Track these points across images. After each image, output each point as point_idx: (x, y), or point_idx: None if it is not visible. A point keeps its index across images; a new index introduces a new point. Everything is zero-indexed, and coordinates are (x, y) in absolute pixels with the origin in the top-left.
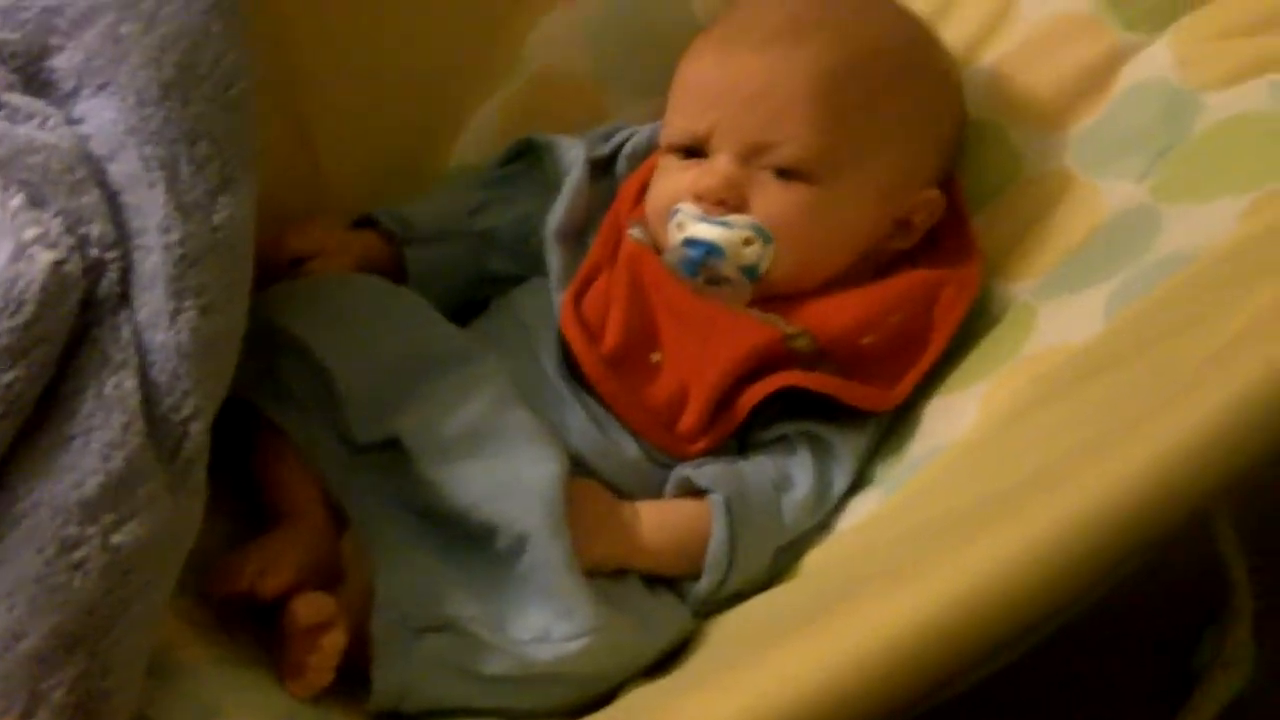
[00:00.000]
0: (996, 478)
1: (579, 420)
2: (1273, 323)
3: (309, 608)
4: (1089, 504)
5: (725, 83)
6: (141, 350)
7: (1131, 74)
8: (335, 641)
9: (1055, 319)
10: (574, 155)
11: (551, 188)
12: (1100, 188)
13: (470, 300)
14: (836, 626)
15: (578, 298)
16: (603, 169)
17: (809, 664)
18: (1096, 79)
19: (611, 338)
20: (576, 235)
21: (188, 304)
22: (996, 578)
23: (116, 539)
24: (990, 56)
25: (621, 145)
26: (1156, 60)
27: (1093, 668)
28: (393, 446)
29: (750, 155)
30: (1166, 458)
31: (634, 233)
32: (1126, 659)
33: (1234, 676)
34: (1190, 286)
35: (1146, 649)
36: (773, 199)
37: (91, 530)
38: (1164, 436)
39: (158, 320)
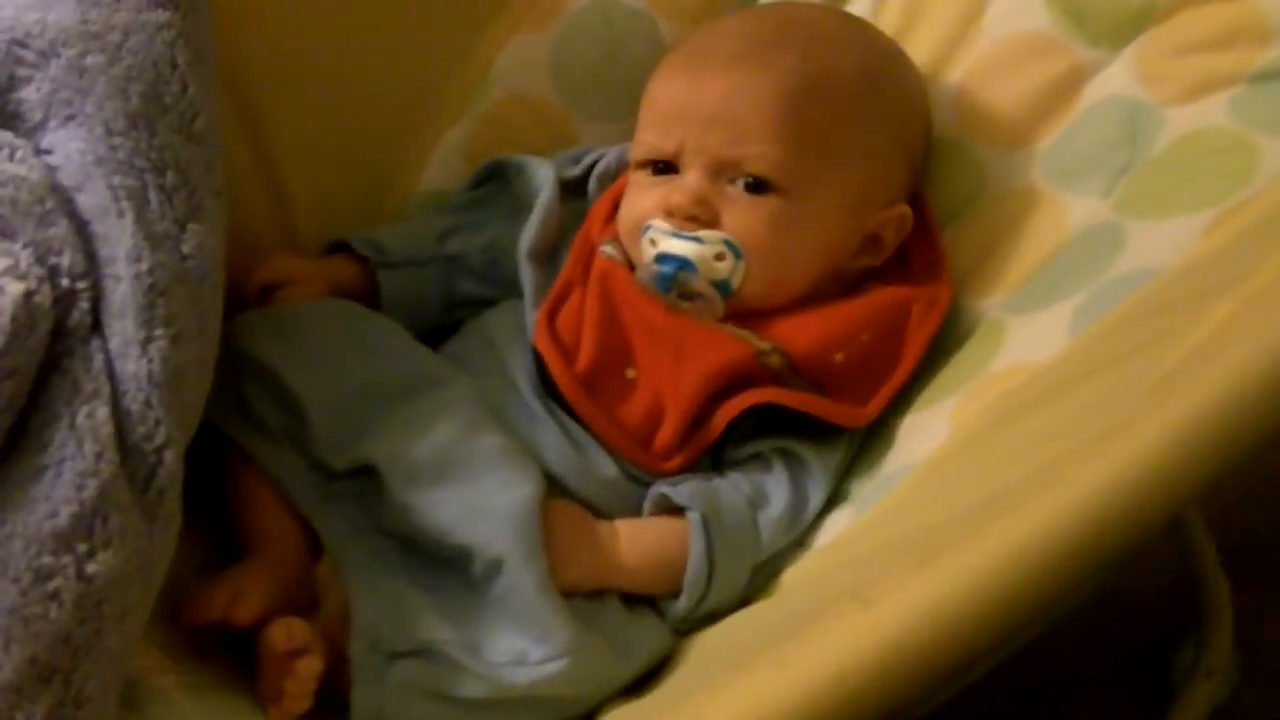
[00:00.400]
0: (959, 498)
1: (554, 439)
2: (1224, 340)
3: (284, 633)
4: (1041, 529)
5: (693, 100)
6: (113, 380)
7: (1095, 90)
8: (311, 667)
9: (1022, 335)
10: (544, 175)
11: (522, 209)
12: (1066, 203)
13: (442, 324)
14: (801, 652)
15: (551, 316)
16: (573, 190)
17: (777, 688)
18: (1060, 95)
19: (586, 356)
20: (549, 255)
21: (158, 333)
22: (950, 602)
23: (90, 569)
24: (955, 74)
25: (592, 167)
26: (1119, 77)
27: (1075, 674)
28: (365, 473)
29: (719, 171)
30: (1119, 482)
31: (606, 249)
32: (1108, 666)
33: (1217, 684)
34: (1152, 303)
35: (1127, 656)
36: (743, 214)
37: (65, 560)
38: (1117, 460)
39: (128, 350)
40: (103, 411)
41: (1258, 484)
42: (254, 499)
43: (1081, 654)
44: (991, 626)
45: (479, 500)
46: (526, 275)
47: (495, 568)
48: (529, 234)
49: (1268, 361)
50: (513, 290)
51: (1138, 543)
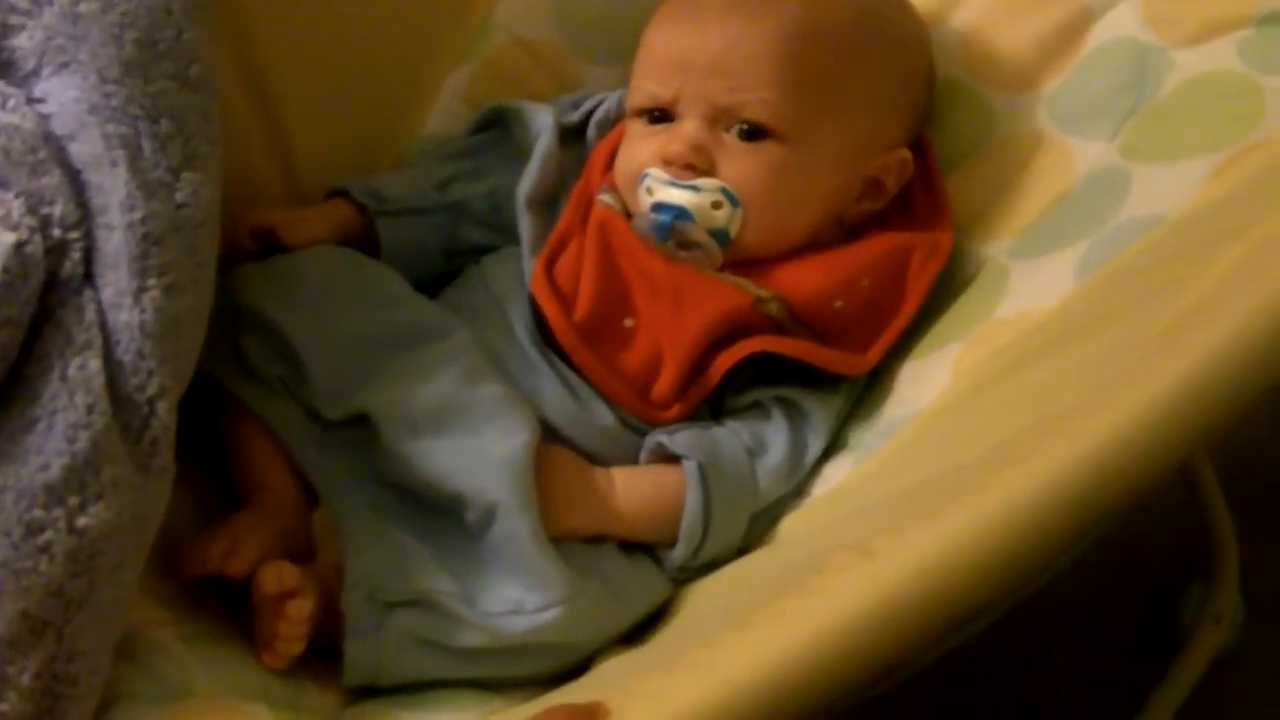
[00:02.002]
0: (962, 449)
1: (552, 388)
2: (1229, 289)
3: (274, 577)
4: (1045, 482)
5: (690, 47)
6: (106, 330)
7: (1102, 33)
8: (301, 608)
9: (1027, 281)
10: (543, 122)
11: (522, 156)
12: (1072, 147)
13: (445, 271)
14: (804, 604)
15: (549, 265)
16: (573, 136)
17: (780, 640)
18: (1067, 38)
19: (584, 304)
20: (548, 202)
21: (151, 283)
22: (952, 555)
23: (82, 522)
24: (961, 17)
25: (591, 112)
26: (1125, 19)
27: (1083, 620)
28: (362, 423)
29: (717, 119)
30: (1122, 435)
31: (604, 198)
32: (1116, 612)
33: (1224, 629)
34: (1158, 250)
35: (1135, 602)
36: (740, 162)
37: (57, 513)
38: (1120, 413)
39: (121, 300)
40: (95, 363)
41: (1265, 429)
42: (250, 449)
43: (1090, 601)
44: (994, 578)
45: (473, 449)
46: (524, 223)
47: (490, 515)
48: (527, 182)
49: (1272, 311)
50: (515, 236)
51: (1141, 495)
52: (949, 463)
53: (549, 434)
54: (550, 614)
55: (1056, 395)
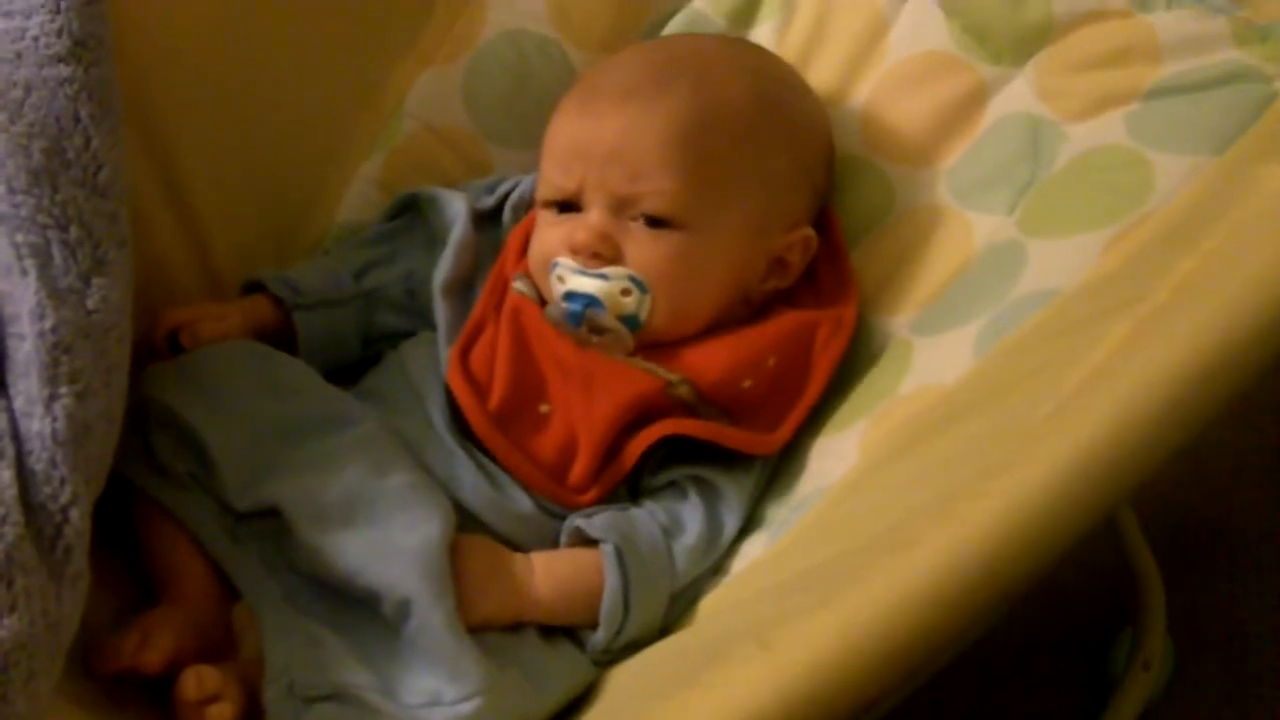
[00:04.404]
0: (862, 528)
1: (469, 475)
2: (1117, 368)
3: (195, 681)
4: (932, 569)
5: (590, 138)
6: (18, 439)
7: (998, 107)
8: (223, 713)
9: (929, 356)
10: (456, 209)
11: (437, 240)
12: (971, 221)
13: (363, 356)
14: (704, 699)
15: (464, 352)
16: (488, 220)
17: None
18: (964, 113)
19: (499, 392)
20: (464, 288)
21: (62, 390)
22: (844, 649)
23: None
24: (861, 93)
25: (507, 195)
26: (1020, 93)
27: (1014, 669)
28: (274, 514)
29: (620, 207)
30: (1009, 520)
31: (518, 285)
32: (1046, 661)
33: (1154, 675)
34: (1053, 325)
35: (1065, 650)
36: (645, 249)
37: None
38: (1008, 497)
39: (33, 409)
40: (7, 474)
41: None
42: (165, 544)
43: (1019, 649)
44: (889, 668)
45: (385, 541)
46: (440, 311)
47: (404, 609)
48: (442, 270)
49: (1158, 391)
50: (432, 320)
51: (1036, 576)
52: (850, 542)
53: (467, 520)
54: (469, 705)
55: (948, 474)
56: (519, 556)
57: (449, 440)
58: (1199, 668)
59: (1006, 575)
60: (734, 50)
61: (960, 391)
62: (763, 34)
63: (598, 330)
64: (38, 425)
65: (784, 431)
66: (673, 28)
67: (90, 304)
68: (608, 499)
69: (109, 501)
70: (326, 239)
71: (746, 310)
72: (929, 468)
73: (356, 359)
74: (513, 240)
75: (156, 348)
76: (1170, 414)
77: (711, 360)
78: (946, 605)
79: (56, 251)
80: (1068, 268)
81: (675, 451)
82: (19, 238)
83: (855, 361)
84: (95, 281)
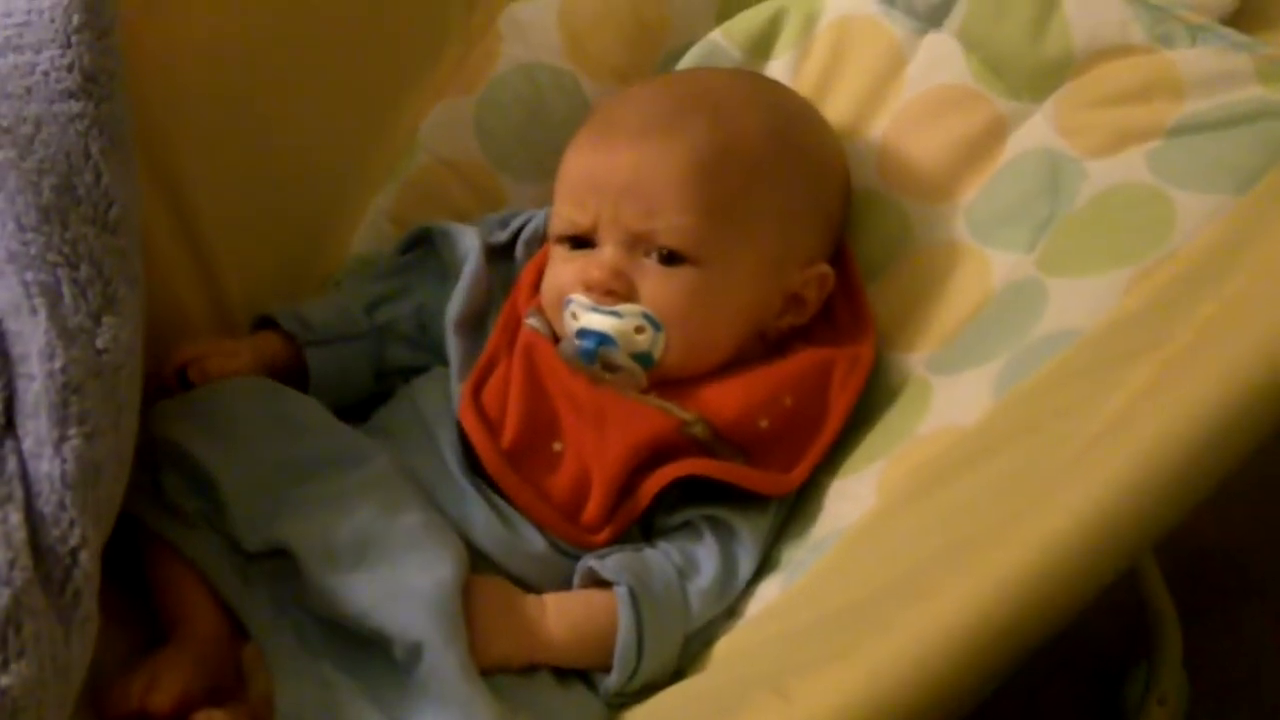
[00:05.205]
0: (881, 572)
1: (482, 515)
2: (1139, 413)
3: None
4: (952, 622)
5: (605, 173)
6: (27, 481)
7: (1017, 143)
8: None
9: (948, 397)
10: (469, 243)
11: (449, 274)
12: (990, 258)
13: (375, 391)
14: None
15: (477, 389)
16: (501, 254)
17: None
18: (983, 147)
19: (511, 429)
20: (476, 323)
21: (72, 431)
22: (865, 701)
23: (4, 681)
24: (878, 128)
25: (519, 230)
26: (1040, 129)
27: (1028, 704)
28: (284, 554)
29: (634, 244)
30: (1029, 571)
31: (531, 321)
32: (1061, 695)
33: (1169, 712)
34: (1073, 367)
35: (1080, 685)
36: (659, 286)
37: None
38: (1029, 547)
39: (42, 450)
40: (16, 516)
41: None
42: (175, 584)
43: (1033, 688)
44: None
45: (397, 583)
46: (453, 347)
47: (416, 652)
48: (455, 305)
49: (1181, 439)
50: (444, 355)
51: (1057, 624)
52: (866, 589)
53: (479, 560)
54: None
55: (966, 520)
56: (531, 598)
57: (461, 478)
58: (1220, 706)
59: (1028, 627)
60: (749, 85)
61: (980, 434)
62: (779, 66)
63: (611, 368)
64: (47, 467)
65: (800, 471)
66: (689, 60)
67: (100, 343)
68: (622, 538)
69: (119, 539)
70: (340, 272)
71: (762, 347)
72: (947, 511)
73: (368, 393)
74: (526, 274)
75: (166, 384)
76: (1193, 463)
77: (727, 399)
78: (969, 659)
79: (66, 290)
80: (1089, 308)
81: (690, 491)
82: (29, 276)
83: (872, 399)
84: (105, 320)
